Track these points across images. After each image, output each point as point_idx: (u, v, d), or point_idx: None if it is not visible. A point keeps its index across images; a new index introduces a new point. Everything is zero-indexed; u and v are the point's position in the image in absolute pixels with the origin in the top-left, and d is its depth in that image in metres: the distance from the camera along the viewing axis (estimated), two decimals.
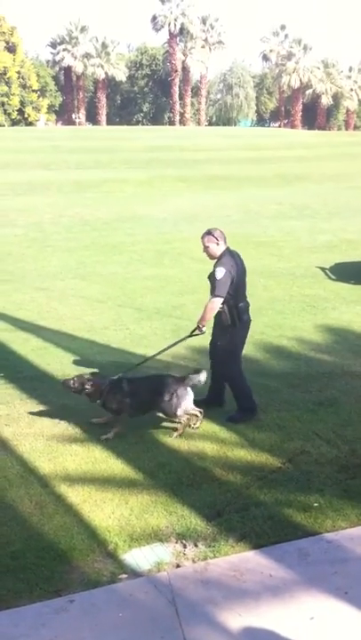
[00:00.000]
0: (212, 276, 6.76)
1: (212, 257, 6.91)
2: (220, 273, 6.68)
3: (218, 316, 6.88)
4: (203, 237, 6.88)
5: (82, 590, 4.46)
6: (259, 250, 15.95)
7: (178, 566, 4.71)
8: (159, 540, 5.01)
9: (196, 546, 4.93)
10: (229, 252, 6.90)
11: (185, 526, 5.15)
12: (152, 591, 4.42)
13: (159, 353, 7.47)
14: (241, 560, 4.76)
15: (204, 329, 6.91)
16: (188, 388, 6.70)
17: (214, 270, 6.74)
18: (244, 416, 7.02)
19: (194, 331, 7.03)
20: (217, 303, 6.73)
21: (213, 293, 6.71)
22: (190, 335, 7.15)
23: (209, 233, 6.87)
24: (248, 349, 8.83)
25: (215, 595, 4.39)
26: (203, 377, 6.79)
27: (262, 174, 32.29)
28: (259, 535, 5.04)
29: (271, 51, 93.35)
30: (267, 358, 8.79)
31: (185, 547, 4.92)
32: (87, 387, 6.67)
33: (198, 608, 4.27)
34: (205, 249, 6.89)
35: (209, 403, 7.19)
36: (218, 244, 6.83)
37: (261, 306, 11.08)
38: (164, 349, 7.46)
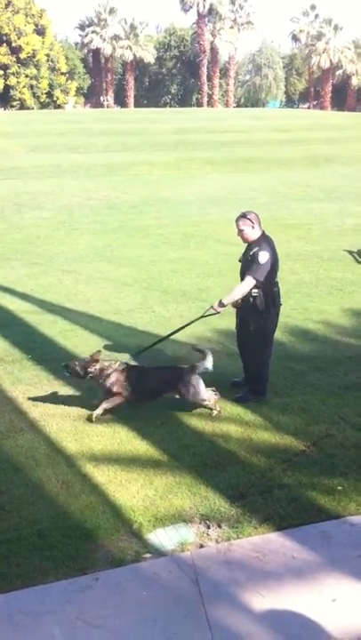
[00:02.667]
0: (254, 259, 6.67)
1: (245, 240, 6.86)
2: (265, 257, 6.63)
3: (252, 301, 6.81)
4: (237, 220, 6.81)
5: (106, 569, 4.53)
6: (286, 232, 15.85)
7: (201, 547, 4.76)
8: (183, 520, 5.06)
9: (219, 527, 4.97)
10: (267, 237, 6.86)
11: (209, 507, 5.20)
12: (175, 571, 4.48)
13: (172, 334, 7.48)
14: (264, 541, 4.79)
15: (221, 309, 6.85)
16: (199, 376, 6.68)
17: (257, 254, 6.65)
18: (254, 398, 7.02)
19: (208, 309, 6.99)
20: (250, 286, 6.67)
21: (253, 276, 6.63)
22: (204, 315, 7.13)
23: (244, 216, 6.79)
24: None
25: (238, 575, 4.43)
26: (209, 364, 6.76)
27: (291, 156, 31.97)
28: (282, 517, 5.06)
29: (301, 31, 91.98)
30: (292, 341, 8.77)
31: (208, 527, 4.97)
32: (90, 370, 6.66)
33: (221, 588, 4.31)
34: (240, 232, 6.82)
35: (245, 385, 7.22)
36: (253, 227, 6.78)
37: (288, 289, 11.02)
38: (178, 330, 7.46)
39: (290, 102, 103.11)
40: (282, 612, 4.13)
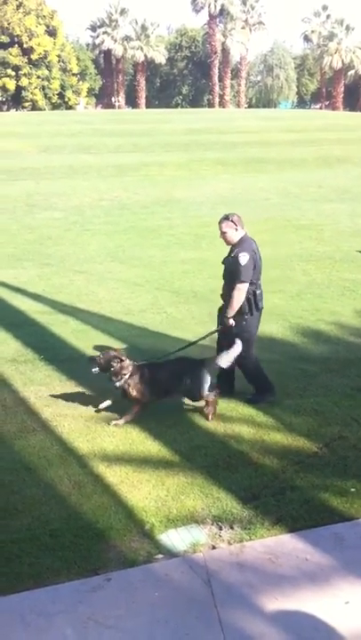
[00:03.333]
0: (234, 262, 6.68)
1: (229, 242, 6.84)
2: (244, 258, 6.61)
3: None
4: (220, 223, 6.80)
5: (118, 569, 4.52)
6: (298, 233, 15.82)
7: (213, 548, 4.75)
8: (195, 521, 5.05)
9: (231, 528, 4.95)
10: (248, 238, 6.83)
11: (221, 508, 5.18)
12: (188, 572, 4.47)
13: (187, 347, 7.39)
14: (277, 543, 4.77)
15: (231, 322, 6.78)
16: (207, 371, 6.65)
17: (237, 256, 6.65)
18: (264, 397, 6.99)
19: (220, 328, 6.95)
20: (244, 289, 6.67)
21: (239, 279, 6.63)
22: (217, 330, 7.06)
23: (227, 218, 6.78)
24: (286, 333, 8.83)
25: (251, 577, 4.41)
26: (223, 362, 6.71)
27: (302, 157, 31.91)
28: (295, 519, 5.04)
29: (313, 31, 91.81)
30: (305, 342, 8.74)
31: (221, 529, 4.95)
32: (114, 364, 6.59)
33: (234, 590, 4.30)
34: (223, 234, 6.81)
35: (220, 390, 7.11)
36: (236, 229, 6.77)
37: (300, 290, 11.03)
38: (193, 343, 7.40)
39: (301, 103, 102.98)
40: (295, 615, 4.11)
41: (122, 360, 6.60)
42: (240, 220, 6.80)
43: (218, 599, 4.20)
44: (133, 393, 6.58)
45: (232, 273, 6.75)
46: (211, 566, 4.52)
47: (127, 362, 6.65)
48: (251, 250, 6.68)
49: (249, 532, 4.89)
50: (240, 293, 6.67)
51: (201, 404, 6.74)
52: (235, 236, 6.77)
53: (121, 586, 4.36)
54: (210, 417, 6.63)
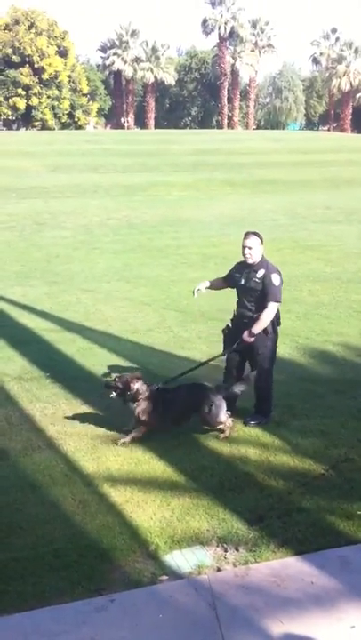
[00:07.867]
0: (268, 283, 6.71)
1: (250, 259, 6.82)
2: (277, 279, 6.72)
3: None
4: (248, 238, 6.81)
5: (122, 590, 4.49)
6: (306, 254, 15.83)
7: (218, 570, 4.70)
8: (200, 542, 5.01)
9: (237, 550, 4.91)
10: (267, 259, 6.91)
11: (226, 530, 5.14)
12: (192, 594, 4.43)
13: (205, 363, 7.45)
14: (282, 566, 4.72)
15: (251, 339, 6.78)
16: (223, 398, 6.66)
17: (269, 277, 6.70)
18: (262, 420, 6.97)
19: (239, 342, 6.91)
20: (275, 309, 6.75)
21: (274, 299, 6.70)
22: (235, 349, 7.00)
23: (256, 234, 6.83)
24: (293, 354, 8.81)
25: (256, 600, 4.36)
26: (241, 388, 6.77)
27: (310, 178, 32.05)
28: (300, 542, 5.00)
29: (321, 54, 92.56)
30: (312, 363, 8.72)
31: (226, 550, 4.91)
32: (133, 387, 6.56)
33: (239, 613, 4.25)
34: (248, 249, 6.80)
35: None
36: (260, 247, 6.84)
37: (307, 310, 11.01)
38: (209, 360, 7.44)
39: (310, 125, 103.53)
40: (300, 638, 4.06)
41: (137, 384, 6.57)
42: (262, 239, 6.87)
43: (223, 622, 4.16)
44: (143, 417, 6.56)
45: (262, 292, 6.77)
46: (216, 588, 4.47)
47: (143, 386, 6.63)
48: (278, 270, 6.75)
49: (254, 555, 4.85)
50: (271, 312, 6.74)
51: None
52: (259, 253, 6.80)
53: (125, 607, 4.32)
54: (221, 437, 6.62)
